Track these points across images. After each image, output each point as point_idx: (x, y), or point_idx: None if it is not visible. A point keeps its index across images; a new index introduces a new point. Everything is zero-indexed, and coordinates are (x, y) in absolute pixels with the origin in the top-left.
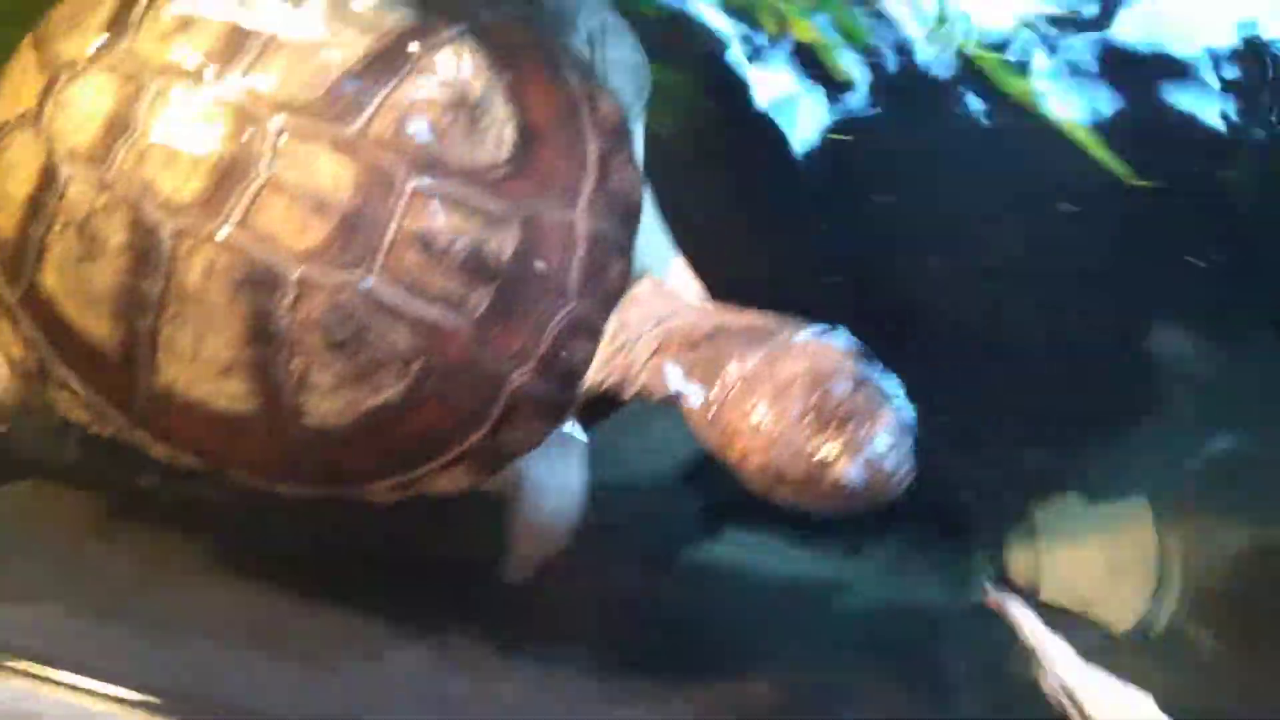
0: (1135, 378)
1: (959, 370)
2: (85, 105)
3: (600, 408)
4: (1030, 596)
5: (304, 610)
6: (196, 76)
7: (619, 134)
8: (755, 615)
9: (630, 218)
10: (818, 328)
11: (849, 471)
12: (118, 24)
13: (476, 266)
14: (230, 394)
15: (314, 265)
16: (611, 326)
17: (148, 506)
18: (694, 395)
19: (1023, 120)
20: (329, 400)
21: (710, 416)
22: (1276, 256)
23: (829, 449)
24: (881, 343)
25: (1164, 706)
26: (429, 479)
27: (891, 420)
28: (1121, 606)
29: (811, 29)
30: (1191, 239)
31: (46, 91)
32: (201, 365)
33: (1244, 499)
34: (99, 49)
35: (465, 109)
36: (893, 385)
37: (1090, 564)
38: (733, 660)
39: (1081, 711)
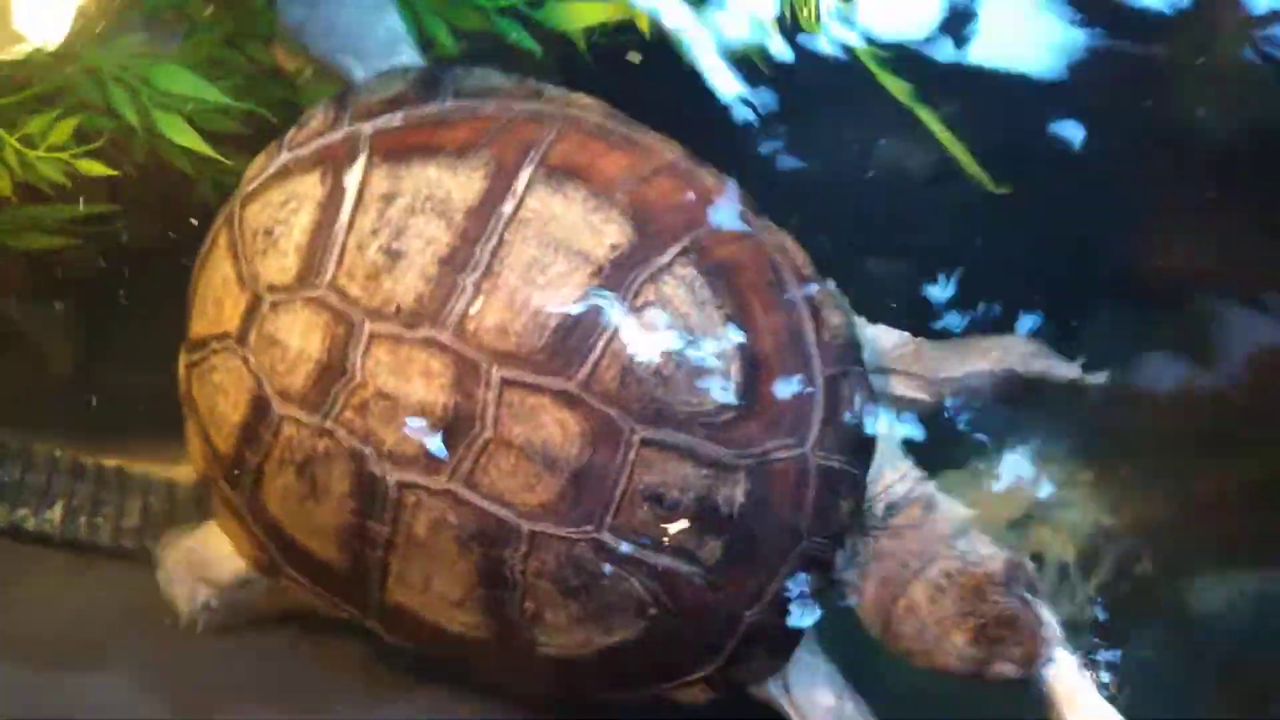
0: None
1: None
2: (294, 343)
3: None
4: None
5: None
6: (410, 320)
7: (847, 350)
8: None
9: (862, 444)
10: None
11: (1006, 670)
12: (315, 248)
13: (708, 517)
14: (463, 623)
15: (546, 520)
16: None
17: None
18: (870, 596)
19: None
20: (563, 636)
21: (883, 619)
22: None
23: (990, 654)
24: None
25: None
26: (668, 693)
27: (1037, 620)
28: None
29: None
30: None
31: (249, 315)
32: (433, 597)
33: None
34: (299, 277)
35: (690, 350)
36: (1030, 579)
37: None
38: None
39: None
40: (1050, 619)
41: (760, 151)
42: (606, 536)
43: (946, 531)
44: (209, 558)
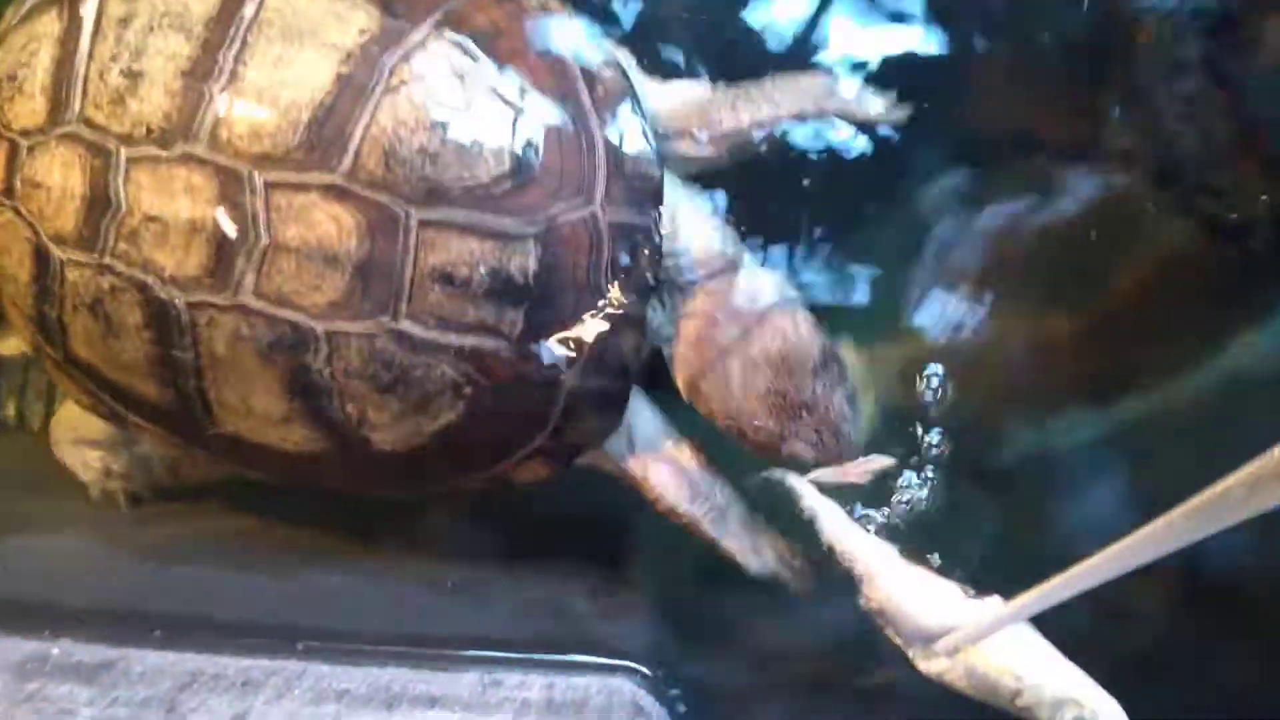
0: None
1: None
2: (57, 183)
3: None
4: None
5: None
6: (163, 139)
7: (624, 104)
8: None
9: (653, 197)
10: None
11: (799, 449)
12: (60, 85)
13: (503, 290)
14: (295, 439)
15: (339, 318)
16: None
17: None
18: (686, 357)
19: None
20: (392, 431)
21: (696, 376)
22: None
23: (788, 431)
24: None
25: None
26: (510, 472)
27: (839, 411)
28: None
29: None
30: None
31: (10, 165)
32: (258, 419)
33: None
34: (49, 116)
35: (453, 124)
36: (842, 372)
37: None
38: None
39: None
40: (851, 414)
41: None
42: (405, 325)
43: (761, 300)
44: (77, 421)
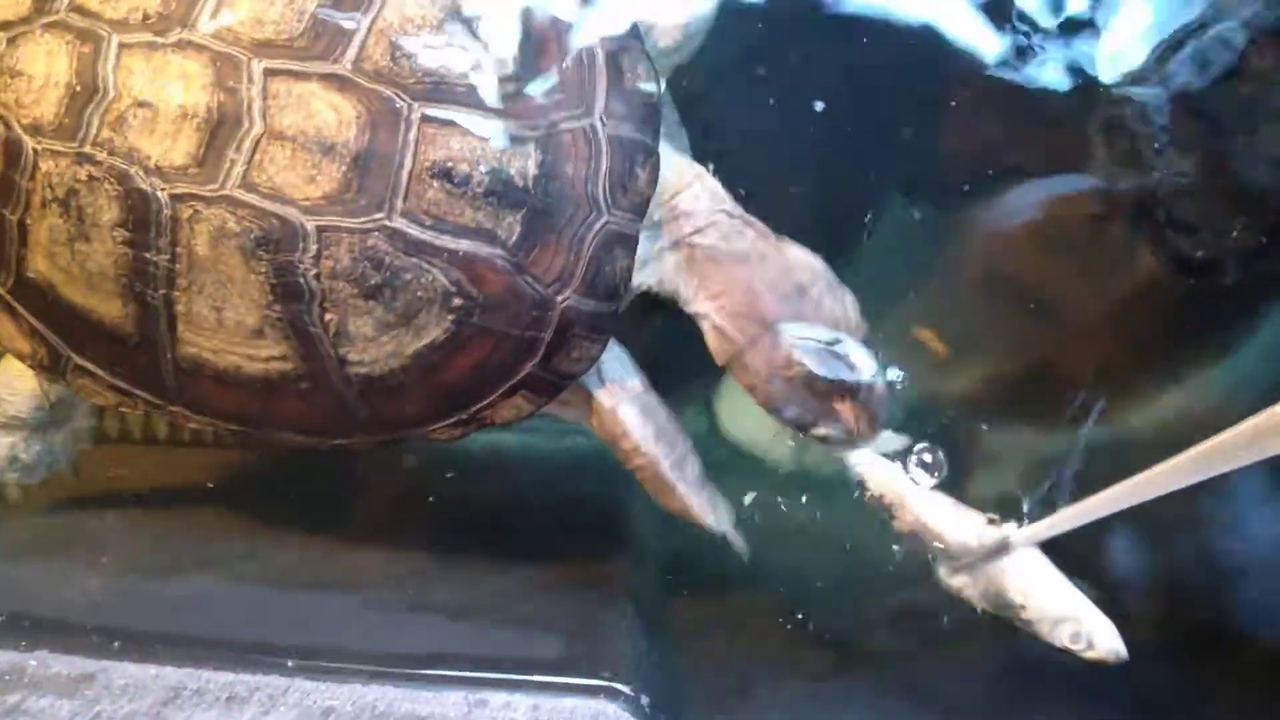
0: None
1: None
2: (39, 72)
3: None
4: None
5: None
6: (160, 26)
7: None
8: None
9: (651, 114)
10: (829, 280)
11: (832, 434)
12: None
13: (502, 191)
14: (264, 357)
15: (332, 213)
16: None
17: None
18: (723, 333)
19: None
20: (372, 348)
21: (734, 355)
22: None
23: (818, 416)
24: None
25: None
26: (490, 411)
27: (874, 396)
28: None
29: None
30: None
31: None
32: (227, 333)
33: None
34: (34, 4)
35: (460, 23)
36: (872, 360)
37: None
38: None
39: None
40: (885, 396)
41: None
42: (399, 222)
43: (800, 273)
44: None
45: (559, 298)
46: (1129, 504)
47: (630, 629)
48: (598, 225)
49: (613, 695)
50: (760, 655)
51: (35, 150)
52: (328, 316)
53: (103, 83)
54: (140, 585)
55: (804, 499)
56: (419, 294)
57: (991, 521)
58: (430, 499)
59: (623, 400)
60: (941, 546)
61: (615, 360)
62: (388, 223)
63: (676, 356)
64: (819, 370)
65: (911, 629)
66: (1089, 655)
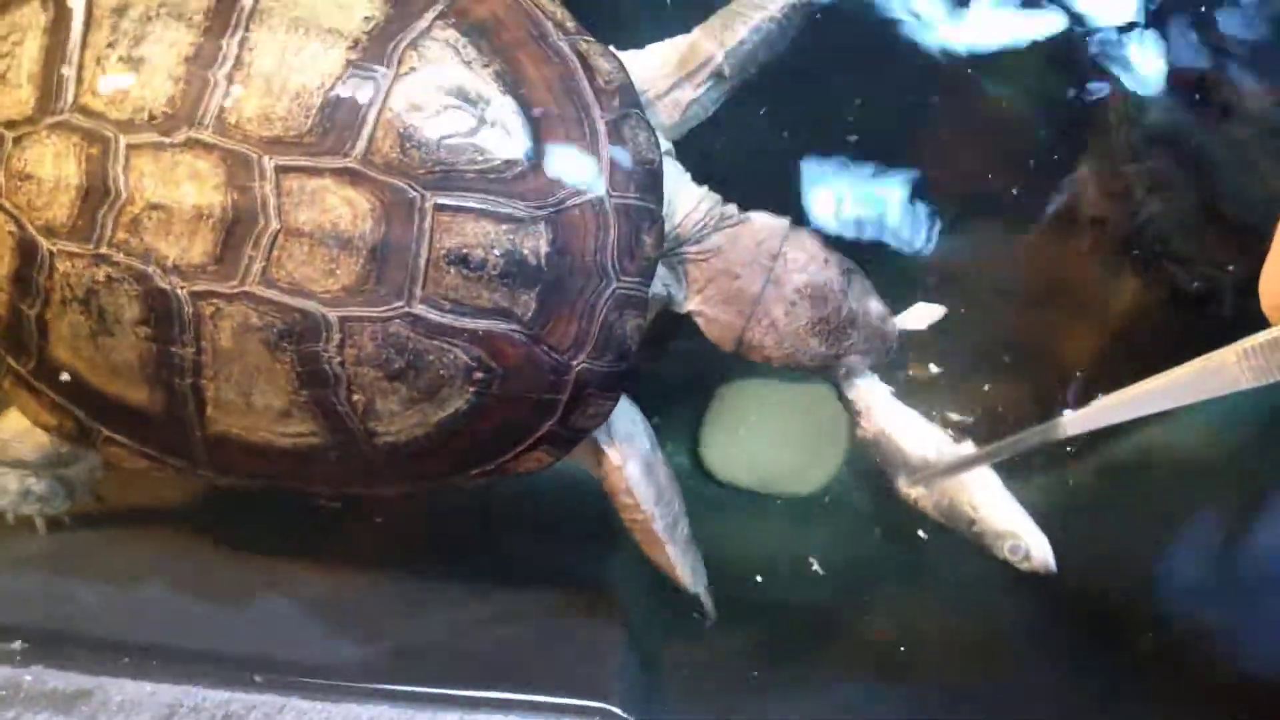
0: None
1: None
2: (48, 174)
3: None
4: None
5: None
6: (166, 125)
7: (624, 94)
8: None
9: (653, 180)
10: (794, 233)
11: (855, 361)
12: (50, 73)
13: (517, 272)
14: (294, 434)
15: (353, 303)
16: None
17: None
18: (719, 322)
19: None
20: (398, 421)
21: (739, 339)
22: None
23: (841, 350)
24: None
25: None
26: (513, 464)
27: (877, 313)
28: (806, 479)
29: None
30: None
31: None
32: (256, 415)
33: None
34: (38, 105)
35: (465, 109)
36: (865, 280)
37: (785, 442)
38: None
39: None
40: (884, 308)
41: None
42: (419, 309)
43: (768, 239)
44: (8, 439)
45: (574, 362)
46: (1085, 430)
47: (622, 651)
48: (608, 292)
49: (606, 716)
50: (748, 679)
51: (51, 251)
52: (355, 398)
53: (114, 184)
54: (137, 600)
55: (794, 529)
56: (442, 372)
57: (953, 438)
58: (423, 518)
59: (630, 459)
60: (902, 457)
61: (626, 417)
62: (409, 309)
63: (659, 394)
64: (820, 311)
65: (892, 656)
66: (1024, 566)
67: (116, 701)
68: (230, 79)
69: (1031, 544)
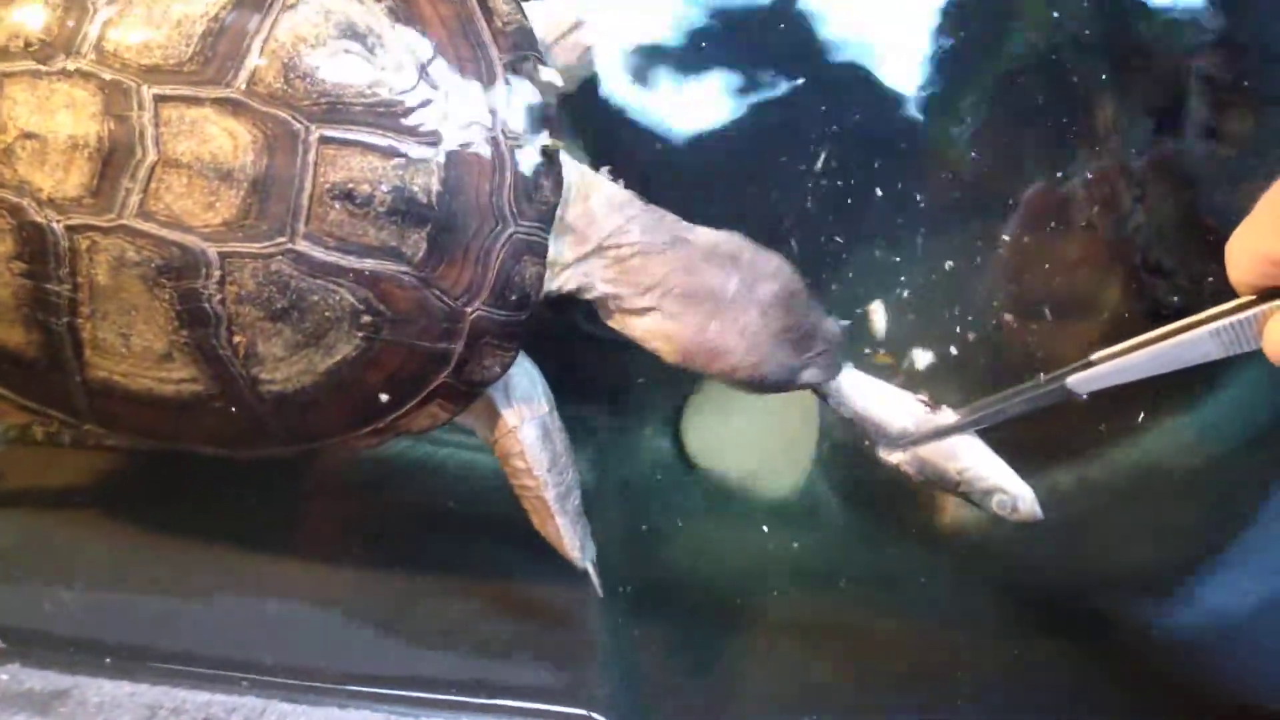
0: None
1: None
2: None
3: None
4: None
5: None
6: (41, 53)
7: (521, 34)
8: None
9: (551, 123)
10: (752, 245)
11: (811, 375)
12: None
13: (406, 210)
14: (175, 380)
15: (233, 238)
16: (558, 241)
17: None
18: (678, 320)
19: None
20: (283, 367)
21: (695, 339)
22: None
23: (804, 360)
24: None
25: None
26: (406, 420)
27: (832, 327)
28: (781, 477)
29: None
30: None
31: None
32: (136, 358)
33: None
34: None
35: (354, 41)
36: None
37: (763, 438)
38: None
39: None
40: (836, 325)
41: None
42: (302, 245)
43: (720, 250)
44: None
45: (468, 309)
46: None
47: (604, 656)
48: (505, 236)
49: None
50: (732, 683)
51: None
52: (236, 339)
53: None
54: (116, 599)
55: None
56: (327, 314)
57: (925, 404)
58: (406, 520)
59: (526, 420)
60: (881, 430)
61: (525, 376)
62: (291, 245)
63: (642, 375)
64: (791, 316)
65: (877, 656)
66: (1014, 518)
67: (95, 702)
68: (110, 5)
69: (1018, 496)
